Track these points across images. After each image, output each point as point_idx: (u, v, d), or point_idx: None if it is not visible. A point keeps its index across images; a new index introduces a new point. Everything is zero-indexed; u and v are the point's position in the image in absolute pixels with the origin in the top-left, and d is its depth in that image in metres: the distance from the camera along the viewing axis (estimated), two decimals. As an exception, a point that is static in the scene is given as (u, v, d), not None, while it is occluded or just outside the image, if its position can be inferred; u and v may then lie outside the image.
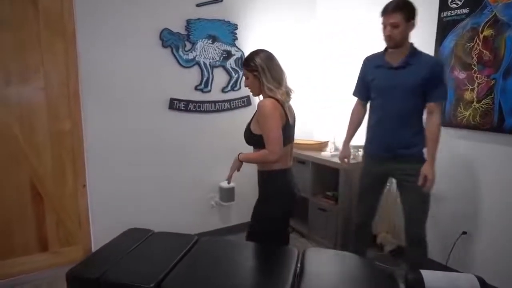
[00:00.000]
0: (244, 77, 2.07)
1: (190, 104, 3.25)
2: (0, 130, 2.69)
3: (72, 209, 3.02)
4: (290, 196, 2.06)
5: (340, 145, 3.57)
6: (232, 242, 1.99)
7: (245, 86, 2.08)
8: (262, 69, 1.94)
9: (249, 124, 2.05)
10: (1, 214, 2.76)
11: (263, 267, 1.66)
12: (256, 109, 1.96)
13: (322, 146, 3.67)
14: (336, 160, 3.28)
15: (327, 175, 3.48)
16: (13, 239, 2.83)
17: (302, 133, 3.92)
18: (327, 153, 3.49)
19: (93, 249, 3.03)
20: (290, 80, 2.06)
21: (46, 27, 2.73)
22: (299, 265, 1.70)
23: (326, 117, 3.91)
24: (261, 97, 2.05)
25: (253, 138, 2.00)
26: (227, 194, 3.46)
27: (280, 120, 1.90)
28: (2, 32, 2.60)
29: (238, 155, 2.09)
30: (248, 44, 3.50)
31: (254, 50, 2.05)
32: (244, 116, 3.58)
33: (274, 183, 2.04)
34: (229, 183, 2.15)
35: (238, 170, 2.15)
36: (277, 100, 1.92)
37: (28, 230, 2.88)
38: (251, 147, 2.12)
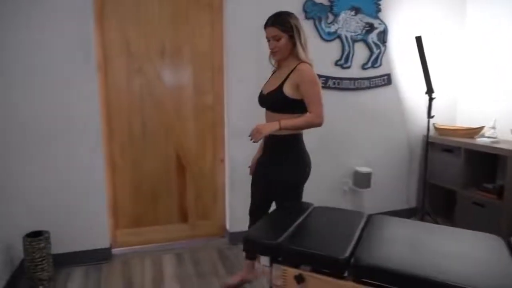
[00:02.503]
0: (272, 39, 1.92)
1: (330, 80, 3.05)
2: (155, 102, 2.82)
3: (209, 183, 3.06)
4: (309, 159, 2.05)
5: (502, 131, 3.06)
6: (406, 220, 1.74)
7: (273, 48, 1.94)
8: (297, 31, 1.91)
9: (280, 87, 1.92)
10: (151, 184, 2.91)
11: (477, 255, 1.37)
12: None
13: (474, 132, 3.17)
14: (499, 145, 2.80)
15: (483, 164, 3.00)
16: (159, 208, 2.97)
17: (447, 119, 3.49)
18: (485, 139, 3.00)
19: (228, 224, 3.03)
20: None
21: (194, -1, 2.78)
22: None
23: (476, 101, 3.40)
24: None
25: (288, 103, 1.90)
26: (363, 180, 3.20)
27: None
28: (160, 4, 2.72)
29: (280, 121, 1.86)
30: (392, 17, 3.18)
31: (282, 11, 1.96)
32: (385, 95, 3.29)
33: (300, 146, 2.02)
34: (255, 141, 1.87)
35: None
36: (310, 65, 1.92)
37: (172, 201, 3.00)
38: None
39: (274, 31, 1.91)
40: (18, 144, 2.40)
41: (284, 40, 1.91)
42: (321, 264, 1.35)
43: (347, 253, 1.34)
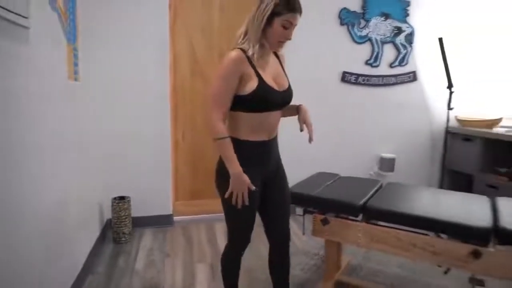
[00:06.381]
0: (293, 28, 1.56)
1: (360, 77, 3.50)
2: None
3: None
4: None
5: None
6: (414, 185, 2.19)
7: (289, 37, 1.58)
8: None
9: (287, 78, 1.70)
10: (206, 164, 3.49)
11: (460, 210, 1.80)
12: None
13: (493, 123, 3.50)
14: (514, 135, 3.13)
15: (499, 151, 3.34)
16: (212, 184, 3.50)
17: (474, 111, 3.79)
18: (500, 129, 3.35)
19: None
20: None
21: None
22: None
23: (493, 94, 3.72)
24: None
25: None
26: (387, 165, 3.62)
27: None
28: (220, 14, 3.32)
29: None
30: (419, 21, 3.57)
31: None
32: (409, 90, 3.69)
33: None
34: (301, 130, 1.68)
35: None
36: None
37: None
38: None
39: (299, 19, 1.57)
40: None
41: None
42: (341, 209, 1.85)
43: (362, 201, 1.83)
